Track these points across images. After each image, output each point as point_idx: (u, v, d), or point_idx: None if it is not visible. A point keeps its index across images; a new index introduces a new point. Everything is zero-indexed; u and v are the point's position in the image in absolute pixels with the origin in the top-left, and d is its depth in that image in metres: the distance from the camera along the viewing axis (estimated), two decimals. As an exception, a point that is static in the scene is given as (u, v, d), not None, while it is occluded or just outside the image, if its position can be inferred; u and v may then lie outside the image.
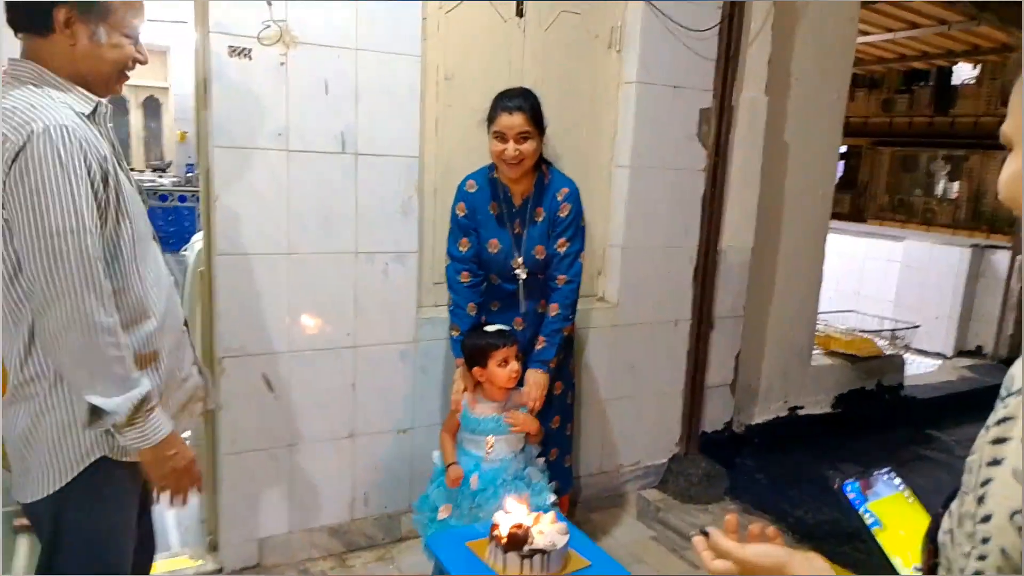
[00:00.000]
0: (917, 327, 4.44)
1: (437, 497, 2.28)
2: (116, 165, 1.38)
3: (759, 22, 3.08)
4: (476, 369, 2.28)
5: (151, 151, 10.21)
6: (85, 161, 1.28)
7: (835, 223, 4.24)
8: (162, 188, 9.08)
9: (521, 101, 2.26)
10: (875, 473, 0.84)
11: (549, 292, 2.41)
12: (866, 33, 5.85)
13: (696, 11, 2.90)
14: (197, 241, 2.63)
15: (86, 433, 1.37)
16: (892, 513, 0.82)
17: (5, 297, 1.33)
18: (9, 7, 1.34)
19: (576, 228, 2.39)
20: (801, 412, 3.85)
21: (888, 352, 4.26)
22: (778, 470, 3.54)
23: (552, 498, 2.29)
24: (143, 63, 1.48)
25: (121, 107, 9.75)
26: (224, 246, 2.27)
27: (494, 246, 2.39)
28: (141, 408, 1.35)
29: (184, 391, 1.60)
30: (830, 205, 3.76)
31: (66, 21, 1.33)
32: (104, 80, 1.42)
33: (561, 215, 2.36)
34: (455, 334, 2.39)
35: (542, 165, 2.41)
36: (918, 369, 5.03)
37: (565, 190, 2.38)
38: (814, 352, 3.96)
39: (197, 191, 9.81)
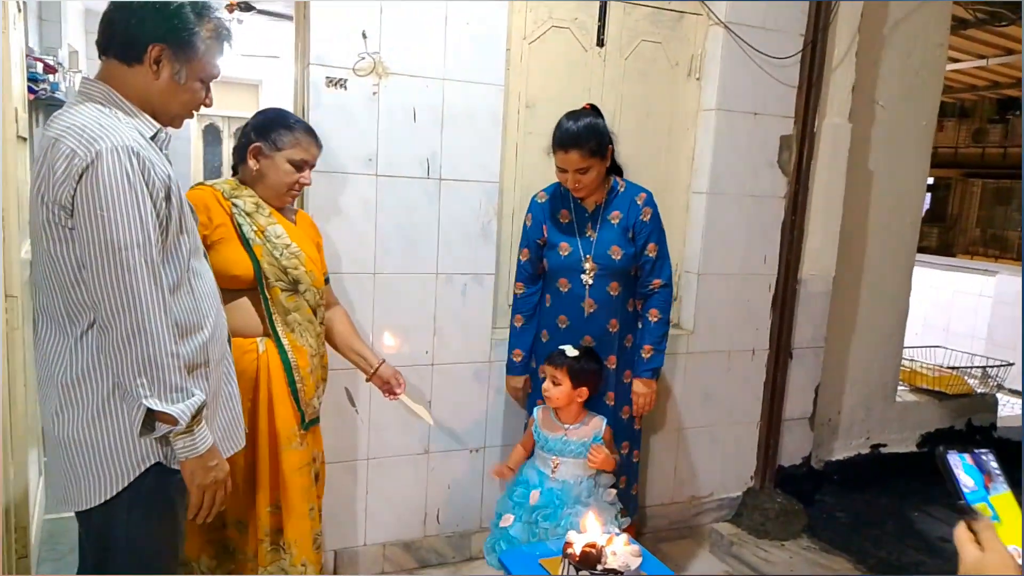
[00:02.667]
0: (1011, 365, 4.20)
1: (502, 505, 2.32)
2: (178, 184, 1.46)
3: (843, 49, 3.05)
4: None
5: (240, 177, 10.72)
6: (148, 180, 1.34)
7: (922, 257, 4.08)
8: (250, 213, 9.53)
9: (577, 137, 2.24)
10: (977, 451, 0.85)
11: (646, 300, 2.42)
12: (956, 60, 5.67)
13: (777, 38, 2.90)
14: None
15: (143, 439, 1.38)
16: (1007, 508, 0.84)
17: (64, 300, 1.37)
18: (102, 32, 1.43)
19: (661, 231, 2.42)
20: (884, 450, 3.69)
21: (979, 390, 4.05)
22: (860, 509, 3.41)
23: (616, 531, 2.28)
24: (208, 107, 1.55)
25: (215, 135, 10.33)
26: (314, 264, 2.39)
27: (564, 249, 2.40)
28: (196, 416, 1.39)
29: (230, 410, 1.63)
30: (917, 236, 3.64)
31: (156, 57, 1.40)
32: (170, 116, 1.49)
33: (644, 219, 2.38)
34: (516, 359, 2.50)
35: (615, 176, 2.43)
36: (1013, 410, 4.75)
37: (643, 195, 2.40)
38: (899, 388, 3.81)
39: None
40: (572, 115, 2.32)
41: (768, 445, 3.21)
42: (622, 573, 1.73)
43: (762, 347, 3.14)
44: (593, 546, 1.79)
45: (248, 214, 1.91)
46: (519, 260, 2.49)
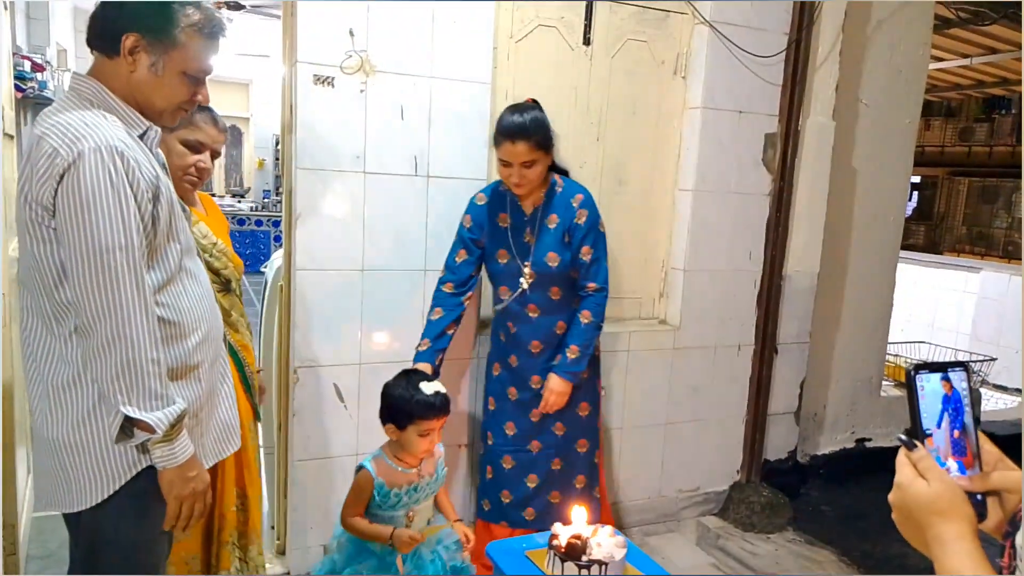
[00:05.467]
0: (994, 360, 4.26)
1: None
2: (167, 184, 1.43)
3: (827, 48, 3.09)
4: (389, 427, 1.97)
5: (231, 177, 10.73)
6: (133, 180, 1.31)
7: (910, 255, 4.13)
8: (240, 212, 9.54)
9: (525, 128, 2.19)
10: (949, 368, 0.79)
11: (580, 301, 2.35)
12: (940, 59, 5.73)
13: (762, 37, 2.93)
14: (277, 258, 2.78)
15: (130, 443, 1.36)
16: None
17: (49, 300, 1.34)
18: (88, 26, 1.40)
19: (597, 233, 2.33)
20: (870, 444, 3.74)
21: (964, 385, 4.10)
22: (845, 502, 3.45)
23: (466, 556, 2.06)
24: (203, 103, 1.48)
25: (204, 135, 10.30)
26: (303, 262, 2.40)
27: (503, 256, 2.36)
28: (176, 425, 1.35)
29: (227, 410, 1.61)
30: (901, 232, 3.68)
31: (131, 48, 1.35)
32: (156, 111, 1.44)
33: (579, 222, 2.30)
34: (422, 348, 2.30)
35: (553, 174, 2.38)
36: (996, 404, 4.81)
37: (580, 196, 2.33)
38: (884, 383, 3.85)
39: (273, 215, 10.22)
40: (516, 108, 2.27)
41: (754, 439, 3.25)
42: (607, 564, 1.76)
43: (748, 342, 3.17)
44: (578, 537, 1.81)
45: None
46: (454, 261, 2.39)
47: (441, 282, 2.41)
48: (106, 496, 1.38)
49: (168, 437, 1.35)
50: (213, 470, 1.93)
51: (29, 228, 1.32)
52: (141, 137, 1.42)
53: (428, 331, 2.36)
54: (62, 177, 1.26)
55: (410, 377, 2.00)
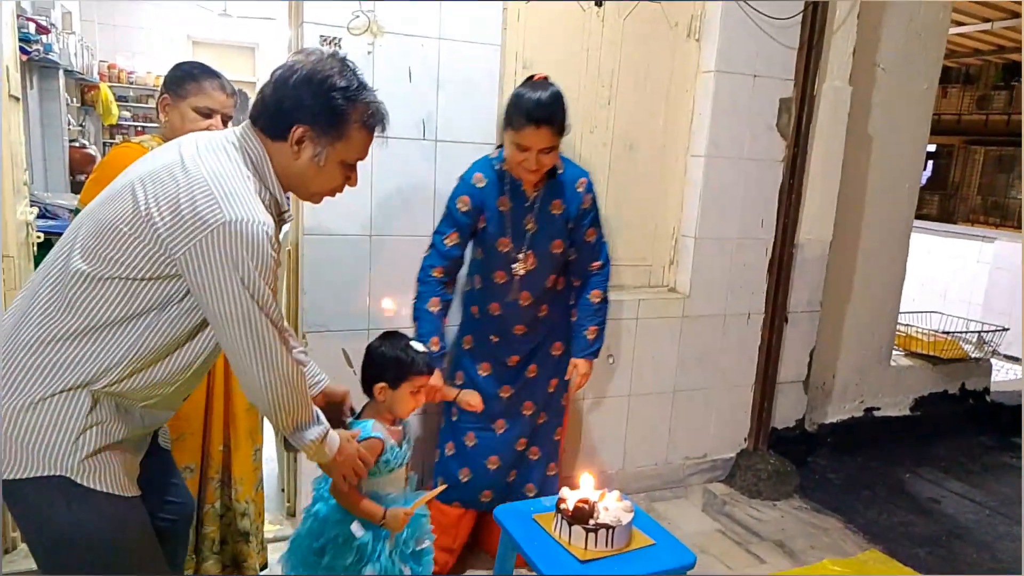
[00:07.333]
0: (1006, 330, 4.23)
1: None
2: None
3: (844, 10, 3.02)
4: (380, 387, 1.84)
5: (238, 143, 10.65)
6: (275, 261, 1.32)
7: (923, 224, 4.08)
8: (248, 178, 9.50)
9: (551, 111, 2.00)
10: None
11: (585, 280, 2.31)
12: (960, 23, 5.59)
13: (778, -1, 2.86)
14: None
15: (65, 446, 1.27)
16: None
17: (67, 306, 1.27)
18: (255, 103, 1.39)
19: (598, 213, 2.28)
20: (878, 413, 3.74)
21: (974, 355, 4.08)
22: (851, 471, 3.46)
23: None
24: (352, 186, 1.50)
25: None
26: (311, 226, 2.39)
27: (505, 244, 2.19)
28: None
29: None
30: (915, 200, 3.63)
31: (299, 138, 1.36)
32: (307, 194, 1.47)
33: (585, 207, 2.22)
34: (433, 348, 2.09)
35: None
36: (1008, 375, 4.79)
37: (584, 180, 2.23)
38: (894, 352, 3.84)
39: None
40: (536, 85, 2.05)
41: (762, 407, 3.25)
42: (613, 528, 1.77)
43: (758, 311, 3.15)
44: (586, 501, 1.82)
45: None
46: (442, 243, 2.19)
47: (430, 265, 2.21)
48: (17, 477, 1.27)
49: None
50: (206, 414, 2.12)
51: (90, 240, 1.26)
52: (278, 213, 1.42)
53: (430, 325, 2.16)
54: (217, 236, 1.23)
55: (397, 338, 1.92)
